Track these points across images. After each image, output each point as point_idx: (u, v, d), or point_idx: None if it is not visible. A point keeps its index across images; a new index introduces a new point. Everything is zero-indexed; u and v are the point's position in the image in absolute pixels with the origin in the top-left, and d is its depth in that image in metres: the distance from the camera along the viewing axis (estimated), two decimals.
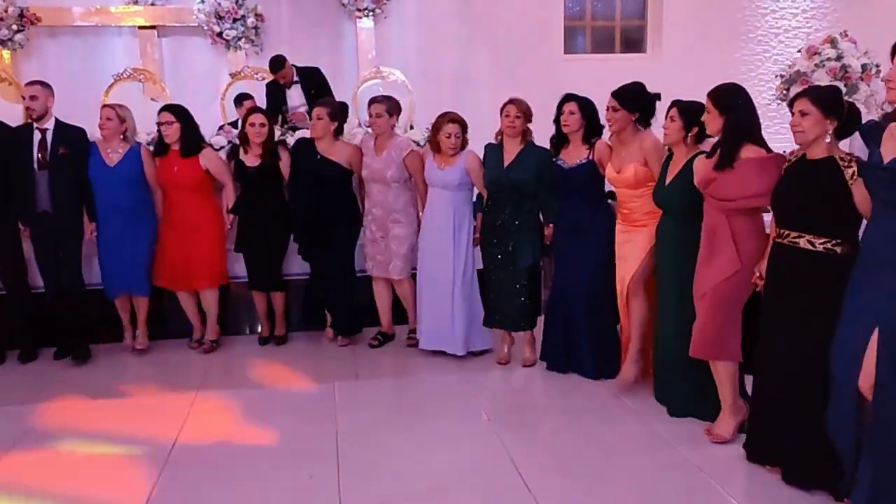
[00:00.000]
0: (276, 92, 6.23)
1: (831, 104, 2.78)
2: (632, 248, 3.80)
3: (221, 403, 3.95)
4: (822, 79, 4.98)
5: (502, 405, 3.90)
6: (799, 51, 5.58)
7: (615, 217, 3.98)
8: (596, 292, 4.01)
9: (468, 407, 3.84)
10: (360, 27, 7.43)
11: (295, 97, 6.23)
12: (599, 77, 6.73)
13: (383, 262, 4.70)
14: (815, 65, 5.10)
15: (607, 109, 3.83)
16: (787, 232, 2.87)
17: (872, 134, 2.61)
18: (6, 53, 6.81)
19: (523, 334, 4.41)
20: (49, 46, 7.16)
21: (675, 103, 3.48)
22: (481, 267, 4.48)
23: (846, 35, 5.30)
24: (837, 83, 4.95)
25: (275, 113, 5.54)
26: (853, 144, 3.33)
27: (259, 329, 5.06)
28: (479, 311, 4.52)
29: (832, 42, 5.17)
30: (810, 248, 2.78)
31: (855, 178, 2.65)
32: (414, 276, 4.70)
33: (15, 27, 6.76)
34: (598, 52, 8.96)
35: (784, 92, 5.32)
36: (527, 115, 4.21)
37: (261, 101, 6.22)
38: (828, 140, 2.79)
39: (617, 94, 3.81)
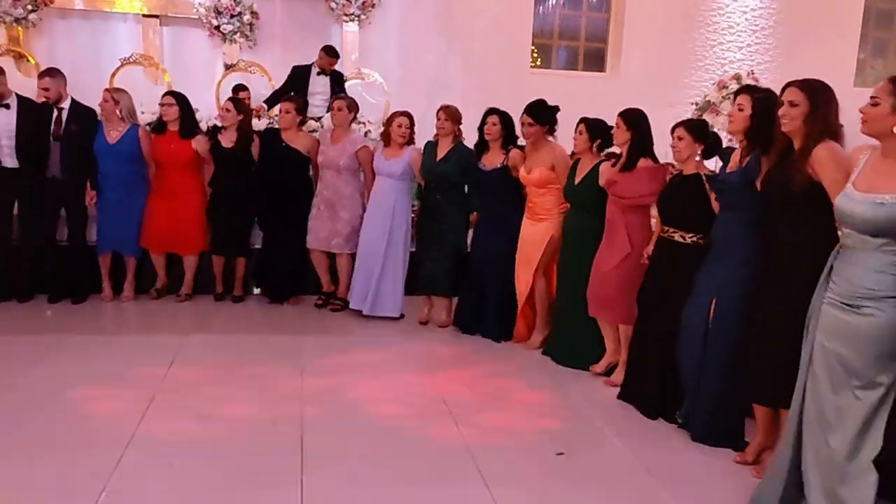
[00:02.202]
0: (300, 76, 7.03)
1: (700, 132, 3.66)
2: (533, 237, 4.66)
3: (205, 345, 4.69)
4: (727, 109, 5.86)
5: (427, 355, 4.73)
6: (713, 84, 6.48)
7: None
8: (505, 272, 4.85)
9: (400, 354, 4.71)
10: (346, 30, 8.15)
11: (318, 86, 7.02)
12: (562, 92, 7.58)
13: (325, 237, 5.47)
14: (723, 97, 5.98)
15: (522, 125, 4.65)
16: (667, 228, 3.72)
17: (726, 155, 3.45)
18: (20, 31, 7.44)
19: (443, 301, 5.25)
20: (59, 26, 7.79)
21: (583, 120, 4.33)
22: (413, 249, 5.33)
23: (752, 73, 6.20)
24: None
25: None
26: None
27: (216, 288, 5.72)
28: (402, 283, 5.29)
29: (737, 78, 6.07)
30: (682, 241, 3.63)
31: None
32: (353, 253, 5.45)
33: (29, 7, 7.39)
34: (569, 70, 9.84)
35: (698, 116, 6.20)
36: (455, 118, 5.02)
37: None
38: (697, 159, 3.64)
39: (530, 112, 4.61)
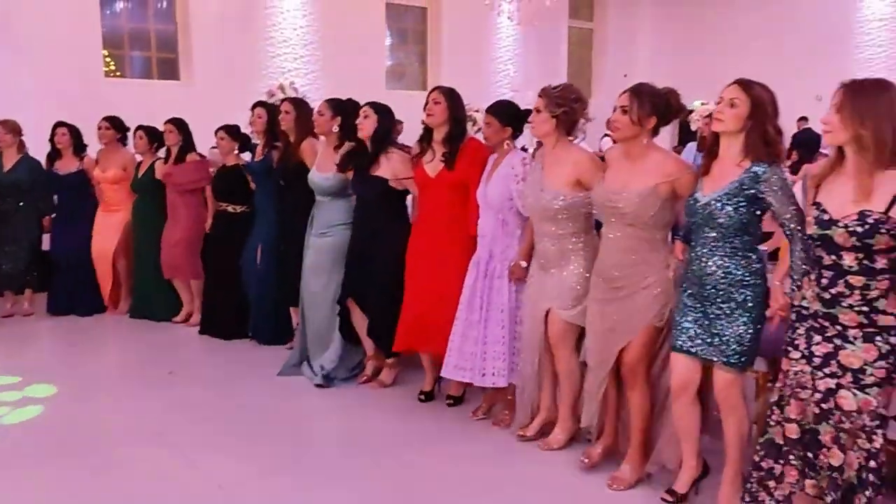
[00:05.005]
0: None
1: (234, 134, 5.16)
2: (109, 227, 5.73)
3: None
4: None
5: (25, 337, 5.50)
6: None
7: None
8: (86, 258, 5.76)
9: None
10: None
11: None
12: (139, 99, 8.36)
13: None
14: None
15: (100, 129, 5.66)
16: (221, 204, 5.17)
17: (254, 148, 4.97)
18: None
19: (27, 294, 5.89)
20: None
21: (140, 127, 5.56)
22: None
23: (292, 84, 8.01)
24: None
25: None
26: None
27: None
28: None
29: (282, 88, 7.82)
30: (233, 211, 5.12)
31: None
32: None
33: None
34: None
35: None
36: (14, 130, 5.66)
37: None
38: (235, 153, 5.10)
39: (108, 119, 5.68)
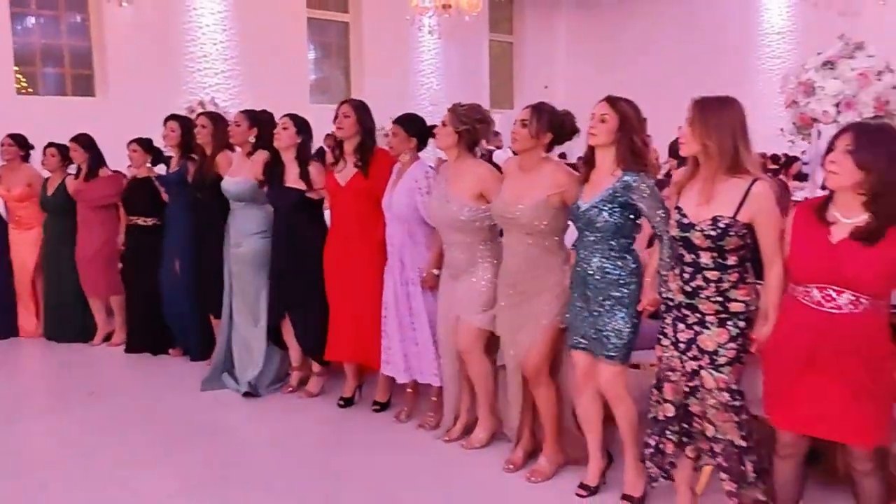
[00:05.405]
0: None
1: (147, 146, 5.14)
2: (25, 243, 5.59)
3: None
4: None
5: None
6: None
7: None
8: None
9: None
10: None
11: None
12: (53, 116, 8.13)
13: None
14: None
15: (3, 145, 5.52)
16: (132, 217, 5.11)
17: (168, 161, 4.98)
18: None
19: None
20: None
21: (51, 144, 5.47)
22: None
23: (212, 100, 7.98)
24: None
25: None
26: None
27: None
28: None
29: (202, 104, 7.78)
30: (144, 224, 5.07)
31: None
32: None
33: None
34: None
35: None
36: None
37: None
38: (148, 165, 5.08)
39: (12, 136, 5.55)
